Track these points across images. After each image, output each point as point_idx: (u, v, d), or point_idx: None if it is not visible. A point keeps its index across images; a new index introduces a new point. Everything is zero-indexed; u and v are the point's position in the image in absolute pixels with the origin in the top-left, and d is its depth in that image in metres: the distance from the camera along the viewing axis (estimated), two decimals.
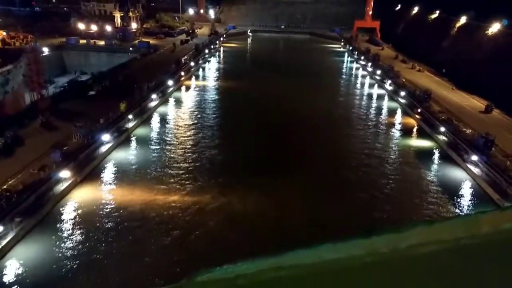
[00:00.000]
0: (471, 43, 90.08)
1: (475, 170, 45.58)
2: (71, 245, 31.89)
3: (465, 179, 45.57)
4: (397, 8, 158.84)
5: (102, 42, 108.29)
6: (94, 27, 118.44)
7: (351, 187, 43.25)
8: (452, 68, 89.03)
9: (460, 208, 40.14)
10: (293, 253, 1.47)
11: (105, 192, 39.87)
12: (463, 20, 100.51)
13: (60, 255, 30.69)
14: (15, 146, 42.48)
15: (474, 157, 46.53)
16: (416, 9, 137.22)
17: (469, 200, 41.78)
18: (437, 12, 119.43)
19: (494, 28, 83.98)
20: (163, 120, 61.66)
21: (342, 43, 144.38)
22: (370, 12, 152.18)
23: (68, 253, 30.94)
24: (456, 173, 47.17)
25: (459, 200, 41.68)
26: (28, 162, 39.11)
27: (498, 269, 1.46)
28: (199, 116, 64.17)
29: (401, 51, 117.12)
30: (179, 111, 67.28)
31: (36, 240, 32.22)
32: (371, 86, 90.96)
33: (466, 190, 43.55)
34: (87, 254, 30.86)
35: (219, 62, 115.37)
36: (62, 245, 31.84)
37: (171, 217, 35.76)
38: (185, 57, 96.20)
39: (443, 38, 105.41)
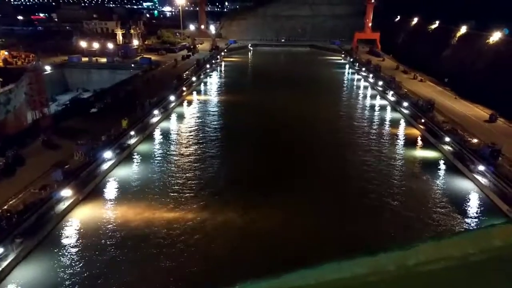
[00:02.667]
0: (473, 52, 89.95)
1: (483, 180, 44.82)
2: (73, 266, 31.22)
3: (472, 190, 44.75)
4: (397, 19, 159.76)
5: (104, 60, 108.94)
6: (96, 45, 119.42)
7: (355, 197, 42.51)
8: (455, 77, 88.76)
9: (469, 220, 39.28)
10: (295, 273, 1.41)
11: (107, 210, 39.29)
12: (463, 29, 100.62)
13: (62, 276, 29.99)
14: (17, 166, 42.11)
15: (481, 167, 45.82)
16: (415, 20, 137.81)
17: (478, 212, 40.90)
18: (437, 22, 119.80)
19: (495, 36, 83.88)
20: (166, 136, 61.36)
21: (343, 55, 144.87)
22: (370, 24, 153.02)
23: (70, 274, 30.24)
24: (463, 184, 46.38)
25: (467, 212, 40.83)
26: (29, 182, 38.73)
27: (511, 286, 1.42)
28: (201, 131, 63.87)
29: (402, 62, 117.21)
30: (181, 126, 67.02)
31: (37, 261, 31.55)
32: (373, 97, 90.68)
33: (474, 202, 42.71)
34: (89, 276, 30.13)
35: (220, 77, 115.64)
36: (64, 266, 31.17)
37: (174, 236, 35.08)
38: (187, 72, 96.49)
39: (444, 48, 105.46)
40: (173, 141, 59.41)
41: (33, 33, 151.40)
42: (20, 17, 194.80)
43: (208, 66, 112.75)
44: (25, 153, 45.49)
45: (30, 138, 49.82)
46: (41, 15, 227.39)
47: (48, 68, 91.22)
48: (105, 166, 46.51)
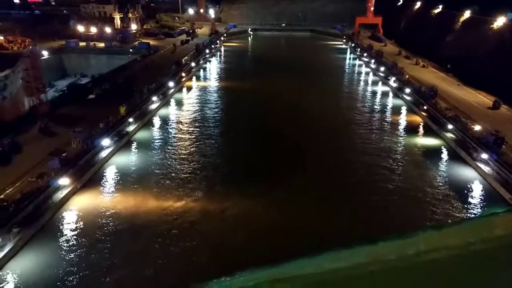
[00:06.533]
0: (476, 37, 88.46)
1: (486, 168, 44.29)
2: (71, 255, 30.89)
3: (475, 178, 44.27)
4: (399, 3, 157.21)
5: (102, 44, 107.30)
6: (93, 29, 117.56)
7: (356, 186, 42.06)
8: (457, 63, 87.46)
9: (472, 209, 38.87)
10: (294, 262, 1.40)
11: (106, 199, 38.84)
12: (467, 14, 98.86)
13: (60, 266, 29.68)
14: (13, 153, 41.53)
15: (484, 155, 45.24)
16: (418, 4, 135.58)
17: (480, 200, 40.47)
18: (440, 6, 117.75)
19: (500, 21, 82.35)
20: (165, 123, 60.59)
21: (344, 40, 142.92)
22: (372, 8, 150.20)
23: (68, 264, 29.93)
24: (466, 172, 45.89)
25: (470, 200, 40.41)
26: (27, 170, 38.19)
27: None
28: (201, 118, 63.06)
29: (404, 47, 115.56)
30: (180, 113, 66.18)
31: (35, 251, 31.23)
32: (374, 83, 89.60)
33: (477, 190, 42.25)
34: (88, 265, 29.84)
35: (220, 62, 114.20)
36: (62, 255, 30.86)
37: (174, 225, 34.70)
38: (186, 57, 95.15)
39: (447, 33, 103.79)
40: (172, 128, 58.67)
41: (30, 17, 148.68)
42: (16, 1, 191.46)
43: (207, 51, 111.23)
44: (22, 141, 44.87)
45: (27, 125, 49.13)
46: None
47: (45, 53, 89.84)
48: (103, 153, 45.92)
